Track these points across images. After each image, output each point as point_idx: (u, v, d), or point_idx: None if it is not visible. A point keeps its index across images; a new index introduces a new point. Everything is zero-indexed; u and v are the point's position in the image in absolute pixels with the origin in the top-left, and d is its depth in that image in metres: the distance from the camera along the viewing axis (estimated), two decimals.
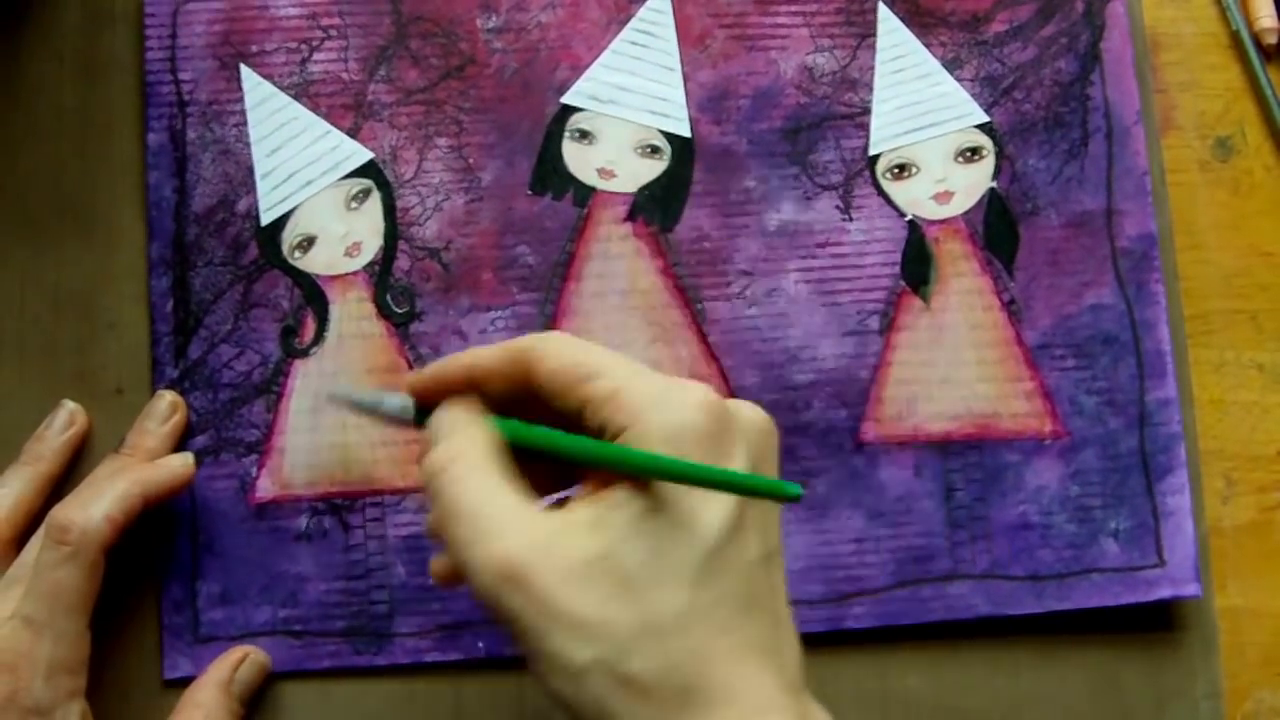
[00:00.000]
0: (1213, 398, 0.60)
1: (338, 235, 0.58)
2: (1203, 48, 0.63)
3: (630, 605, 0.39)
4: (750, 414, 0.43)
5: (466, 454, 0.42)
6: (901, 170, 0.60)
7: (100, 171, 0.59)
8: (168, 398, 0.57)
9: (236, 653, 0.55)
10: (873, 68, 0.61)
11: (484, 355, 0.45)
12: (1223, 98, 0.63)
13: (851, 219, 0.60)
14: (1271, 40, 0.62)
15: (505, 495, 0.41)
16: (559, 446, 0.42)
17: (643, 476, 0.40)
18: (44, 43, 0.60)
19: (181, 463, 0.55)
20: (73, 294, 0.58)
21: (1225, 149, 0.62)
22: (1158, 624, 0.58)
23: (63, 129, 0.59)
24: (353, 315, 0.58)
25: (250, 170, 0.58)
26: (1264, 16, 0.62)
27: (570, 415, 0.43)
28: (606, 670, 0.39)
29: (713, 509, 0.40)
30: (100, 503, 0.51)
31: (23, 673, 0.49)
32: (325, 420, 0.57)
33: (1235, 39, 0.63)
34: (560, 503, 0.43)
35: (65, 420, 0.56)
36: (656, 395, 0.41)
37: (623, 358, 0.43)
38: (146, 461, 0.55)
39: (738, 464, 0.41)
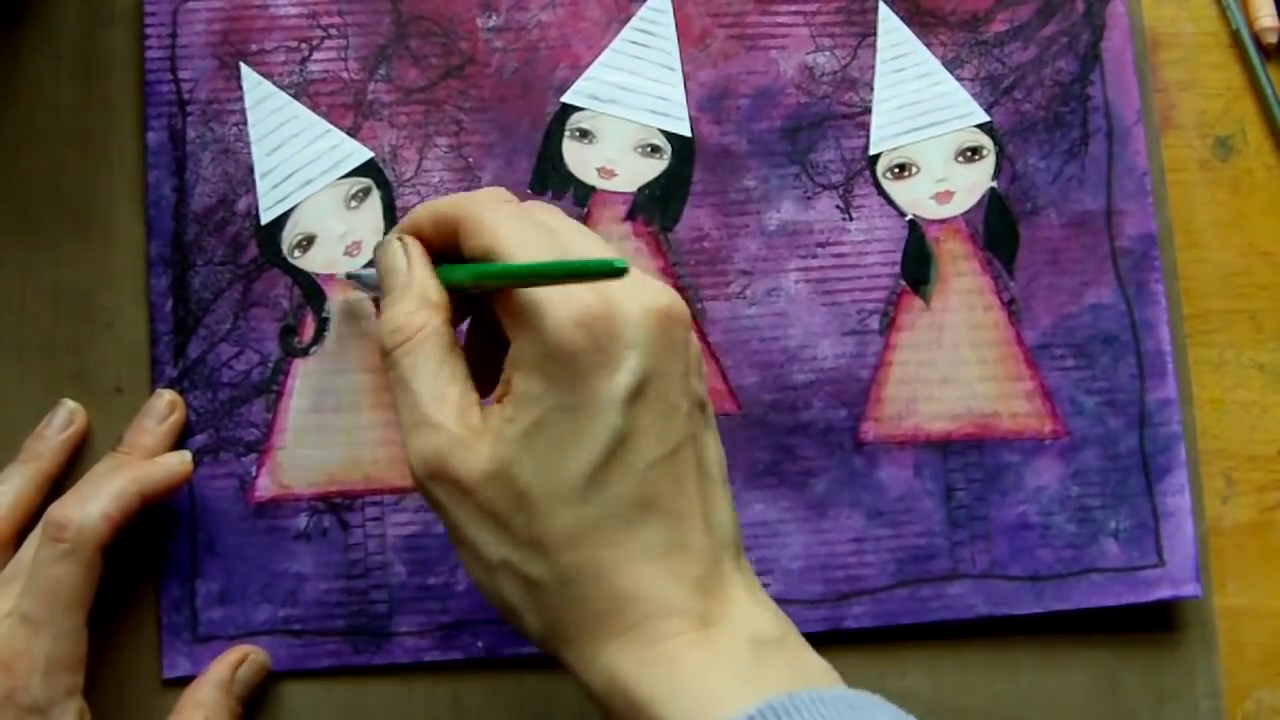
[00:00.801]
0: (1212, 397, 0.60)
1: (337, 234, 0.58)
2: (1203, 47, 0.63)
3: (525, 518, 0.41)
4: (639, 310, 0.42)
5: (419, 328, 0.44)
6: (902, 170, 0.60)
7: (99, 171, 0.59)
8: (166, 396, 0.56)
9: (237, 652, 0.55)
10: (873, 67, 0.61)
11: (422, 219, 0.47)
12: (1223, 97, 0.63)
13: (852, 218, 0.60)
14: (1272, 39, 0.62)
15: (447, 378, 0.44)
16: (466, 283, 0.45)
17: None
18: (43, 42, 0.60)
19: (179, 461, 0.55)
20: (71, 293, 0.58)
21: (1225, 148, 0.62)
22: (1158, 624, 0.58)
23: (61, 128, 0.59)
24: (352, 314, 0.58)
25: (250, 169, 0.58)
26: (1264, 15, 0.62)
27: None
28: (513, 570, 0.42)
29: (598, 421, 0.41)
30: (98, 500, 0.51)
31: (20, 670, 0.49)
32: (326, 420, 0.57)
33: (1235, 38, 0.63)
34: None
35: (65, 419, 0.56)
36: (542, 307, 0.41)
37: (538, 237, 0.43)
38: (144, 460, 0.55)
39: (625, 374, 0.41)
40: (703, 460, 0.44)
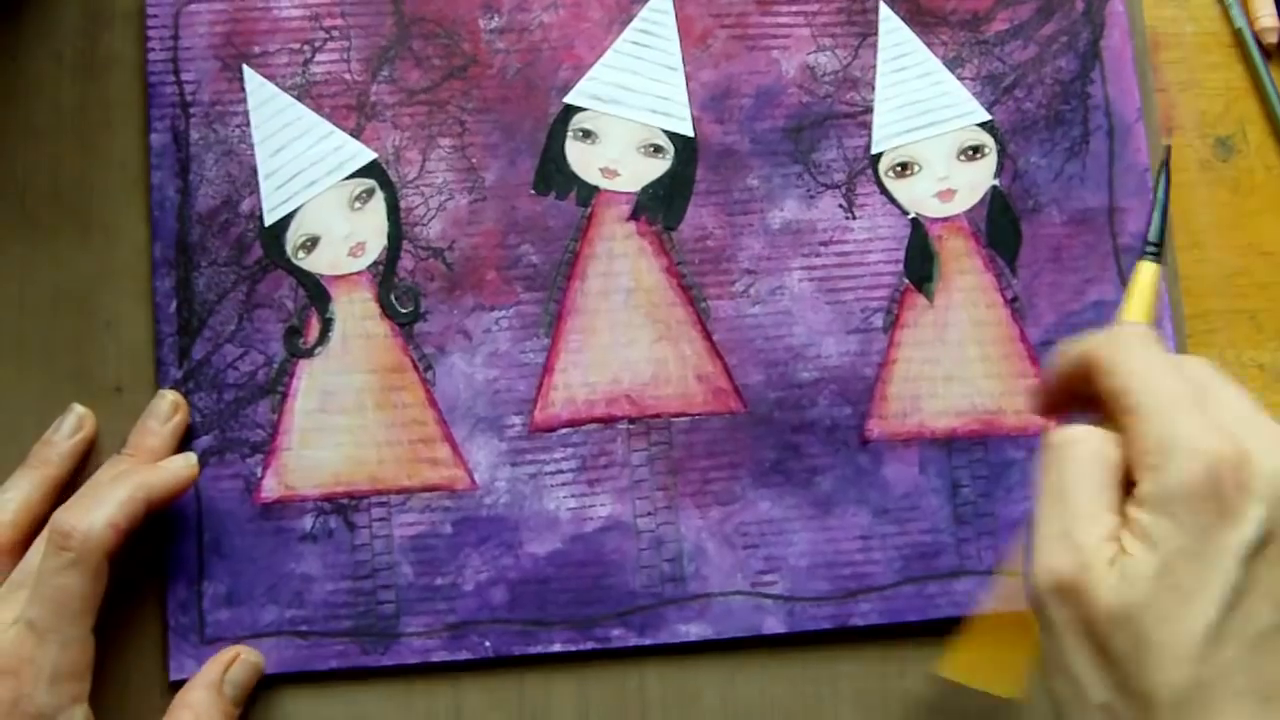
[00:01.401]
0: None
1: (341, 235, 0.58)
2: (1203, 47, 0.63)
3: (1140, 667, 0.39)
4: (1273, 465, 0.39)
5: (1093, 442, 0.42)
6: (904, 169, 0.60)
7: (98, 170, 0.59)
8: (169, 397, 0.56)
9: (227, 653, 0.55)
10: (874, 67, 0.61)
11: (1060, 368, 0.46)
12: (1223, 97, 0.63)
13: (855, 217, 0.60)
14: (1272, 40, 0.62)
15: (1099, 500, 0.41)
16: None
17: None
18: (43, 41, 0.60)
19: (184, 464, 0.55)
20: (71, 292, 0.58)
21: (1226, 148, 0.62)
22: None
23: (61, 127, 0.59)
24: (357, 315, 0.58)
25: (253, 171, 0.58)
26: (1265, 15, 0.63)
27: None
28: (1113, 717, 0.39)
29: (1218, 571, 0.39)
30: (103, 508, 0.51)
31: (26, 678, 0.49)
32: (331, 420, 0.57)
33: (1236, 38, 0.63)
34: None
35: (74, 424, 0.56)
36: (1169, 445, 0.40)
37: (1176, 385, 0.42)
38: (149, 461, 0.55)
39: (1246, 529, 0.39)
40: None
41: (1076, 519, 0.41)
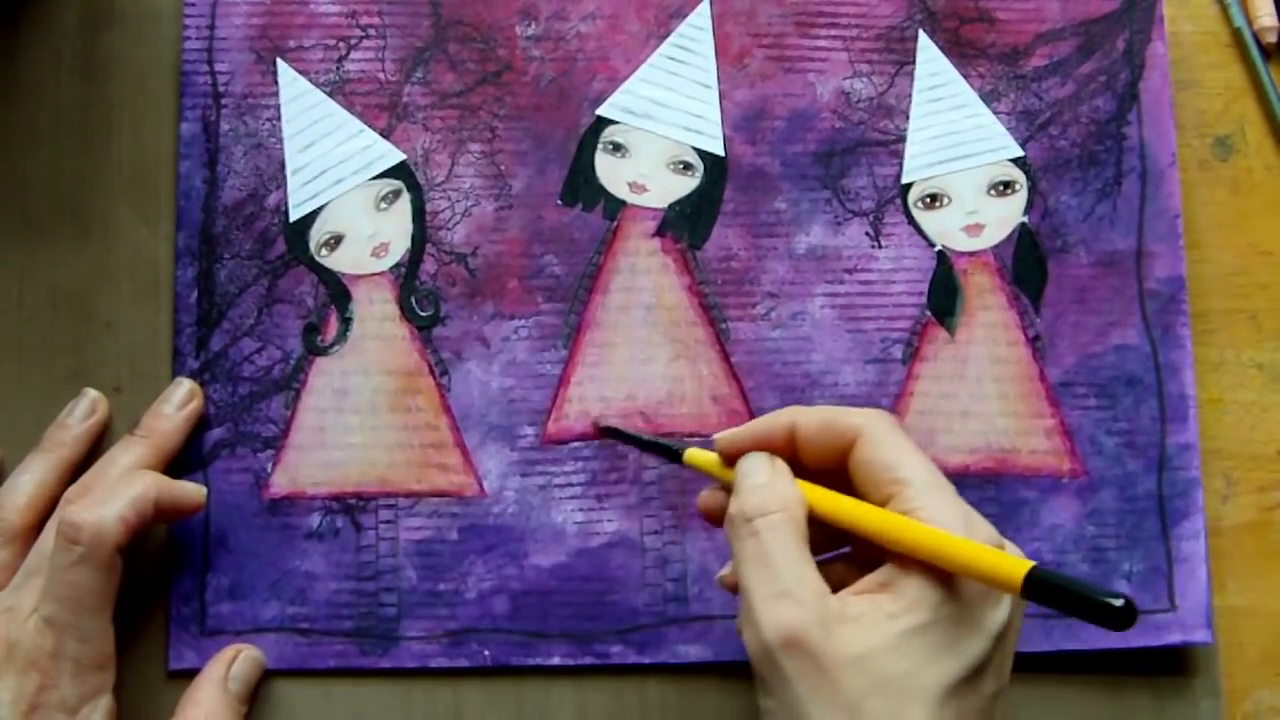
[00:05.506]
0: (1212, 397, 0.60)
1: (366, 235, 0.58)
2: (1202, 46, 0.63)
3: (880, 706, 0.42)
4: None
5: (782, 510, 0.46)
6: (933, 200, 0.60)
7: (98, 171, 0.59)
8: (186, 385, 0.56)
9: (229, 651, 0.55)
10: (910, 96, 0.61)
11: (805, 421, 0.48)
12: (1222, 96, 0.63)
13: (881, 246, 0.59)
14: (1271, 39, 0.62)
15: (805, 562, 0.45)
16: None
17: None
18: (42, 43, 0.60)
19: (196, 488, 0.55)
20: (70, 293, 0.58)
21: (1225, 148, 0.62)
22: None
23: (60, 129, 0.59)
24: (376, 316, 0.58)
25: (282, 165, 0.58)
26: (1264, 15, 0.62)
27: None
28: None
29: (968, 645, 0.43)
30: (112, 504, 0.51)
31: (50, 671, 0.50)
32: (344, 420, 0.57)
33: (1235, 37, 0.63)
34: (833, 559, 0.49)
35: (87, 408, 0.56)
36: (944, 523, 0.44)
37: (929, 468, 0.46)
38: (161, 445, 0.55)
39: (1001, 612, 0.44)
40: (1009, 707, 0.47)
41: (791, 579, 0.44)
